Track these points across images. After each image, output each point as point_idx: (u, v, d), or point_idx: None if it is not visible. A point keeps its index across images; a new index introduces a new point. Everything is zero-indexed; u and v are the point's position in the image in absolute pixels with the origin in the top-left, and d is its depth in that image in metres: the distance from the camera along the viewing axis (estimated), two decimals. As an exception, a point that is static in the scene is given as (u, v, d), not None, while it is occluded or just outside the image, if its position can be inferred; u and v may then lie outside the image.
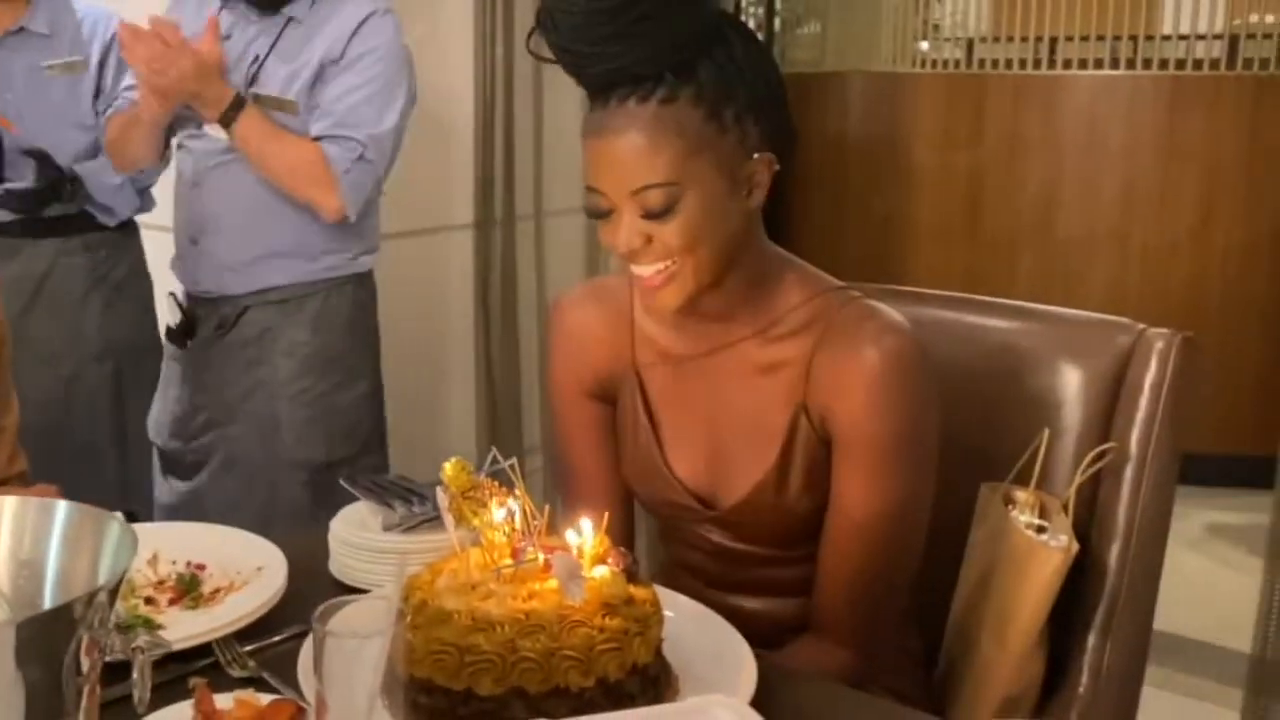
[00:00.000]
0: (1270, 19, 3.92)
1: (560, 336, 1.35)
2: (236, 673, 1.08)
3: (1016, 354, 1.38)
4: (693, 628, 1.09)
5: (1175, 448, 1.32)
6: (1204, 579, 3.09)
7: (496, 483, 1.03)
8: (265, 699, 0.97)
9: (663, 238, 1.14)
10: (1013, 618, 1.27)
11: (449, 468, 1.02)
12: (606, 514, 1.04)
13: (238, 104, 2.03)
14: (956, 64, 4.38)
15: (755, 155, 1.16)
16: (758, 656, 1.06)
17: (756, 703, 0.96)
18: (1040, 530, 1.29)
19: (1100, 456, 1.30)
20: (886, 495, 1.19)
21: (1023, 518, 1.30)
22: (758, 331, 1.23)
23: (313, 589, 1.19)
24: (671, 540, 1.36)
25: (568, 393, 1.35)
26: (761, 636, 1.19)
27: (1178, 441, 1.32)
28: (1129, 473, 1.32)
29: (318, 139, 2.06)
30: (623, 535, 1.34)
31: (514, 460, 1.00)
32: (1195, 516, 3.48)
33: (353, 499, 1.32)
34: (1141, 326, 1.36)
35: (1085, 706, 1.28)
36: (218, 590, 1.21)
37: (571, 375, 1.34)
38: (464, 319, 3.12)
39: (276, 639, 1.14)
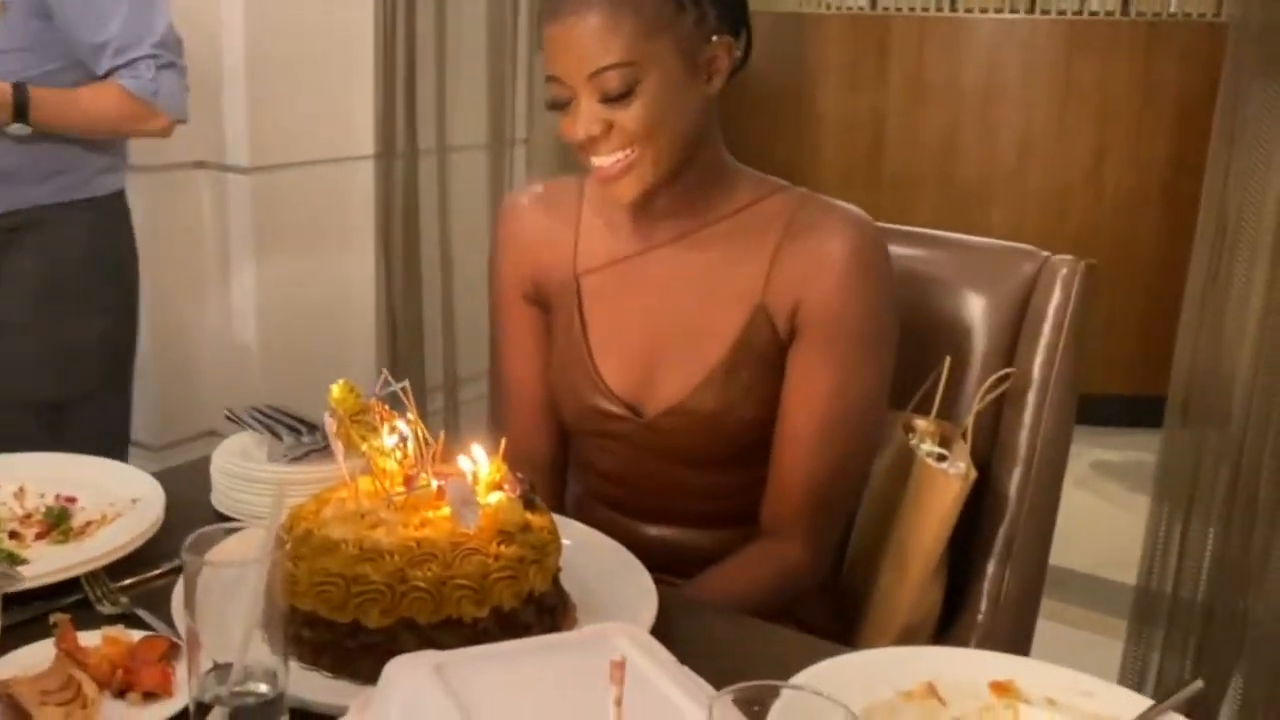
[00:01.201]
0: None
1: (505, 236, 1.31)
2: (108, 609, 1.02)
3: (921, 281, 1.37)
4: (592, 556, 1.07)
5: (1076, 375, 1.33)
6: (1090, 514, 3.17)
7: (388, 407, 0.98)
8: (137, 635, 0.92)
9: (622, 124, 1.11)
10: (912, 546, 1.27)
11: (336, 390, 0.97)
12: (503, 440, 1.00)
13: (21, 98, 1.90)
14: (860, 9, 4.40)
15: (714, 38, 1.13)
16: (666, 585, 1.04)
17: (657, 632, 0.94)
18: (941, 459, 1.29)
19: (1001, 381, 1.31)
20: (854, 385, 1.17)
21: (924, 446, 1.30)
22: (707, 225, 1.21)
23: (194, 523, 1.13)
24: (590, 466, 1.31)
25: (507, 295, 1.31)
26: (678, 569, 1.18)
27: (1078, 369, 1.33)
28: (1030, 399, 1.33)
29: (108, 75, 1.96)
30: (553, 450, 1.32)
31: (405, 383, 0.95)
32: (1083, 455, 3.58)
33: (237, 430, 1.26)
34: (1045, 254, 1.36)
35: (984, 633, 1.28)
36: (89, 524, 1.15)
37: (512, 278, 1.30)
38: (364, 254, 3.03)
39: (151, 574, 1.08)
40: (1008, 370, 1.32)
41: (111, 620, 0.99)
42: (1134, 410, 3.52)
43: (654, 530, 1.26)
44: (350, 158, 2.97)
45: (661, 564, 1.11)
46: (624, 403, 1.23)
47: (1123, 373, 3.72)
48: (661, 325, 1.22)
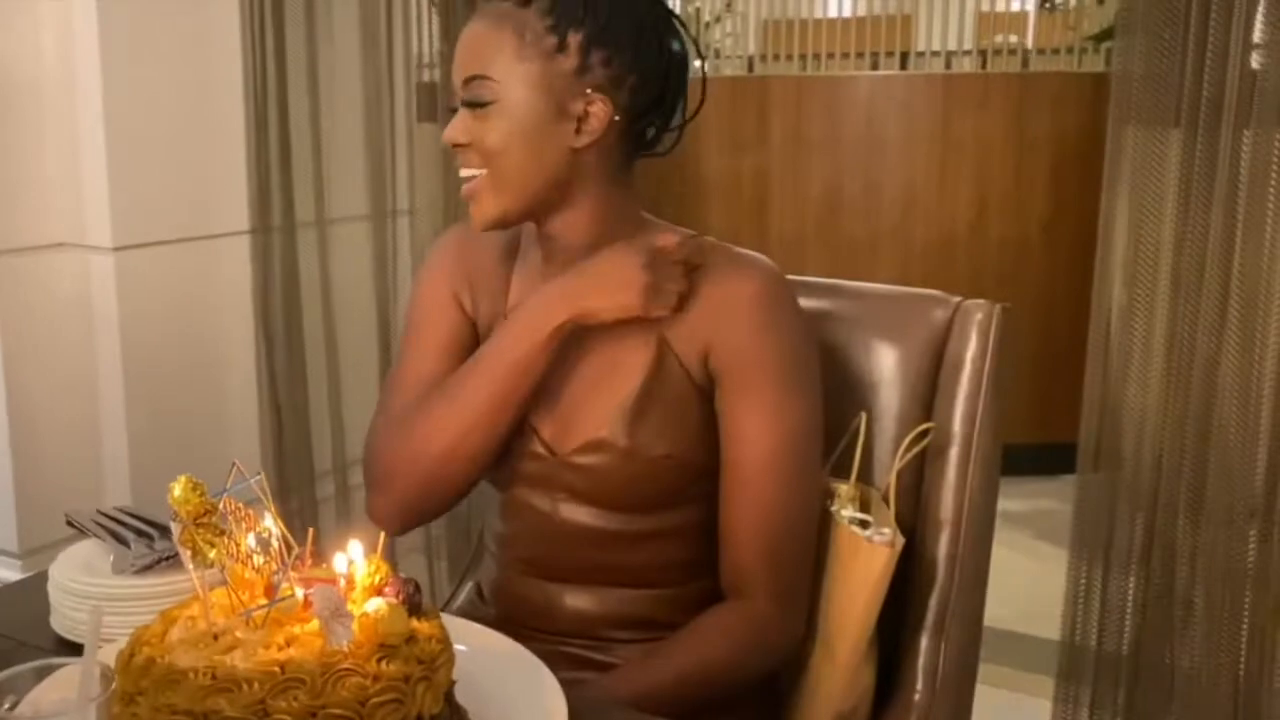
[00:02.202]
0: (1014, 38, 4.45)
1: (446, 246, 1.30)
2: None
3: (827, 334, 1.30)
4: (490, 662, 0.94)
5: (999, 425, 1.26)
6: (1005, 567, 3.13)
7: (242, 504, 0.85)
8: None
9: (479, 138, 1.13)
10: (839, 624, 1.18)
11: (177, 489, 0.83)
12: (383, 536, 0.88)
13: None
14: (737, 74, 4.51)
15: (589, 92, 1.13)
16: (581, 680, 0.93)
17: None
18: (864, 525, 1.20)
19: (920, 436, 1.23)
20: (785, 422, 1.14)
21: (844, 513, 1.21)
22: None
23: (28, 653, 0.98)
24: (505, 524, 1.24)
25: (439, 295, 1.27)
26: (602, 638, 1.13)
27: (1000, 418, 1.26)
28: (953, 454, 1.25)
29: None
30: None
31: (260, 475, 0.83)
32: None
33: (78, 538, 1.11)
34: (957, 299, 1.30)
35: (922, 714, 1.19)
36: (-102, 661, 0.98)
37: (447, 282, 1.27)
38: (242, 334, 2.86)
39: (-28, 718, 0.92)
40: (927, 425, 1.24)
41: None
42: (1025, 458, 3.53)
43: (578, 597, 1.19)
44: (222, 234, 2.82)
45: (584, 631, 1.06)
46: (541, 440, 1.19)
47: (1010, 421, 3.73)
48: (576, 362, 1.19)
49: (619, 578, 1.20)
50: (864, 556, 1.16)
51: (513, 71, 1.12)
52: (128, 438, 2.65)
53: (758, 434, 1.14)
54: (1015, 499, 3.56)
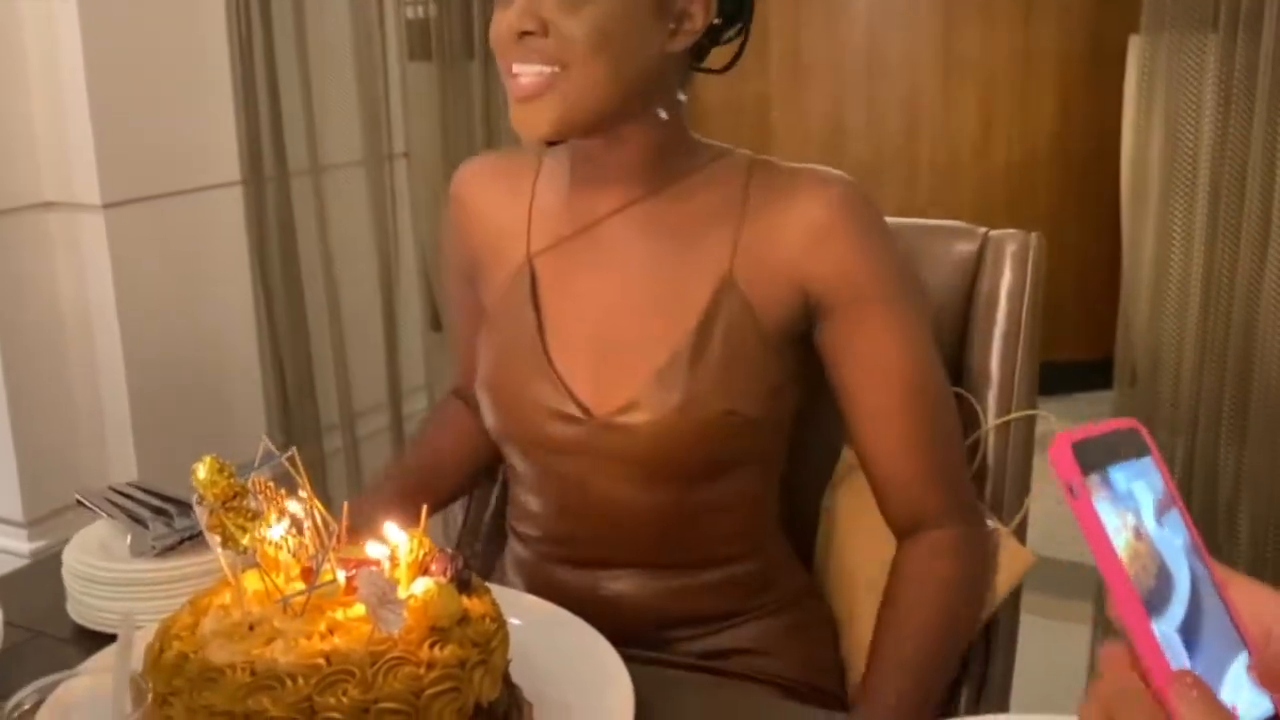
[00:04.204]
0: None
1: (454, 207, 1.18)
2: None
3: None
4: (544, 635, 0.88)
5: (1037, 367, 1.17)
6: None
7: (272, 482, 0.78)
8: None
9: (563, 28, 0.96)
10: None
11: (201, 470, 0.76)
12: (426, 505, 0.82)
13: None
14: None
15: None
16: (634, 661, 0.86)
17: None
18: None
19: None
20: (917, 339, 1.04)
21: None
22: (658, 189, 1.05)
23: (44, 645, 0.93)
24: (535, 503, 1.11)
25: (454, 271, 1.20)
26: (636, 635, 1.00)
27: (1037, 355, 1.17)
28: (992, 400, 1.16)
29: None
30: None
31: (293, 451, 0.76)
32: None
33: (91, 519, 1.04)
34: (983, 230, 1.20)
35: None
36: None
37: (457, 252, 1.18)
38: (239, 288, 2.78)
39: (-9, 716, 0.86)
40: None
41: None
42: (1048, 376, 3.48)
43: (619, 582, 1.07)
44: (213, 185, 2.73)
45: (628, 625, 0.95)
46: (576, 401, 1.04)
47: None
48: (616, 308, 1.06)
49: (664, 558, 1.07)
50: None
51: None
52: (128, 399, 2.58)
53: (895, 357, 1.03)
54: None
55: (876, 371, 1.03)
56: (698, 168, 1.07)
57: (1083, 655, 2.11)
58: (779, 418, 1.07)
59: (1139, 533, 0.44)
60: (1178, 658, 0.43)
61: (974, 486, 1.11)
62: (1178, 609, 0.44)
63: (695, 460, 1.03)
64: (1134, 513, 0.44)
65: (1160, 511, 0.45)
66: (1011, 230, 1.19)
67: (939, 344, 1.10)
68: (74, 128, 2.47)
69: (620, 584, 1.07)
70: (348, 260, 2.90)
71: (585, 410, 1.04)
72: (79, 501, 1.05)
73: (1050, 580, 2.58)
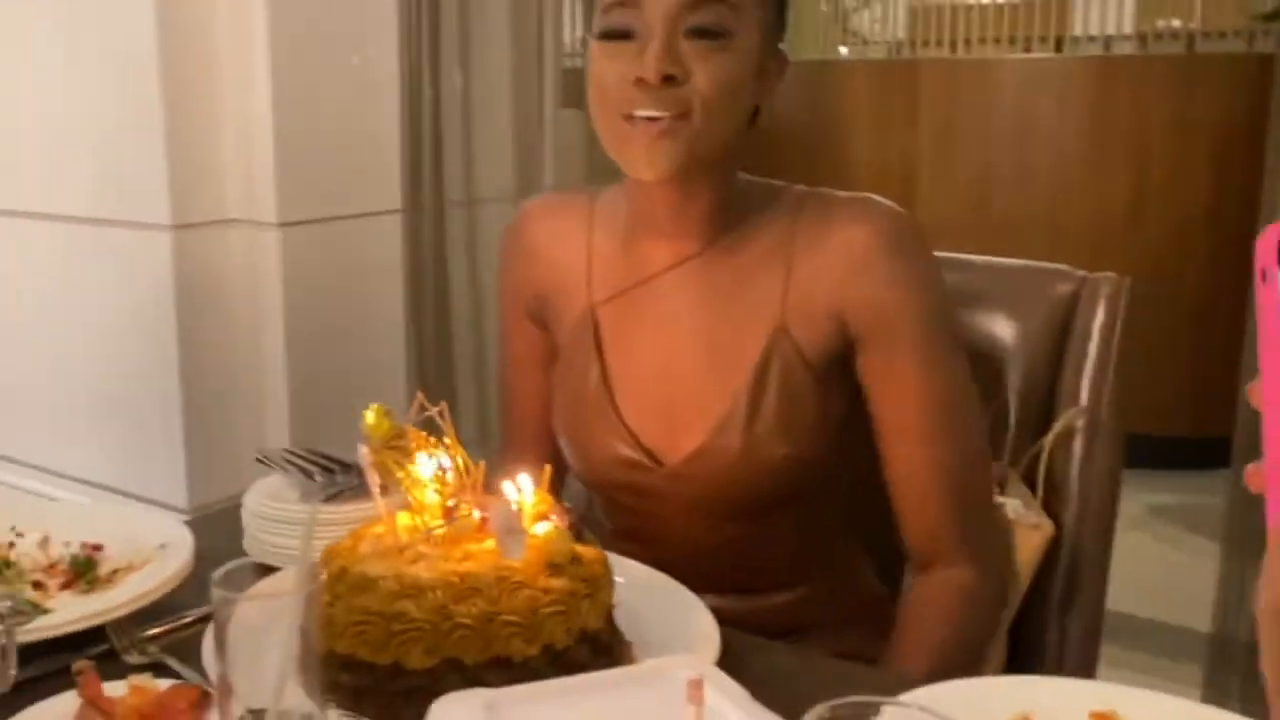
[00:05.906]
0: (1176, 22, 4.25)
1: (513, 247, 1.23)
2: (134, 659, 0.96)
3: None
4: (646, 596, 0.99)
5: (1124, 398, 1.24)
6: (1146, 557, 3.07)
7: (424, 433, 0.92)
8: (164, 684, 0.85)
9: (695, 78, 1.00)
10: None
11: (370, 415, 0.91)
12: (547, 465, 0.94)
13: None
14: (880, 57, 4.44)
15: (780, 48, 1.06)
16: (731, 627, 0.95)
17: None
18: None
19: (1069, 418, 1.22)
20: (947, 371, 1.06)
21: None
22: (712, 242, 1.11)
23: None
24: (602, 510, 1.22)
25: (511, 309, 1.24)
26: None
27: (1125, 392, 1.24)
28: (1079, 429, 1.24)
29: None
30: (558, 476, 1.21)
31: (443, 406, 0.90)
32: (1132, 498, 3.48)
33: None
34: (1082, 272, 1.28)
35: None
36: (115, 572, 1.09)
37: (516, 292, 1.23)
38: (392, 311, 2.99)
39: (179, 622, 1.01)
40: (1083, 408, 1.23)
41: (139, 670, 0.92)
42: (1186, 452, 3.43)
43: None
44: (377, 212, 2.94)
45: None
46: (645, 450, 1.12)
47: (1171, 413, 3.62)
48: (675, 361, 1.11)
49: (732, 584, 1.12)
50: (1017, 540, 1.16)
51: (743, 12, 1.01)
52: (289, 402, 2.78)
53: (924, 389, 1.05)
54: (1168, 493, 3.48)
55: (904, 404, 1.06)
56: (747, 217, 1.10)
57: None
58: (841, 448, 1.11)
59: None
60: None
61: (993, 530, 1.14)
62: None
63: (761, 500, 1.09)
64: None
65: None
66: (1108, 273, 1.27)
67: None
68: (258, 154, 2.71)
69: None
70: (494, 287, 3.07)
71: (654, 459, 1.11)
72: (259, 459, 1.22)
73: (1160, 644, 2.57)
